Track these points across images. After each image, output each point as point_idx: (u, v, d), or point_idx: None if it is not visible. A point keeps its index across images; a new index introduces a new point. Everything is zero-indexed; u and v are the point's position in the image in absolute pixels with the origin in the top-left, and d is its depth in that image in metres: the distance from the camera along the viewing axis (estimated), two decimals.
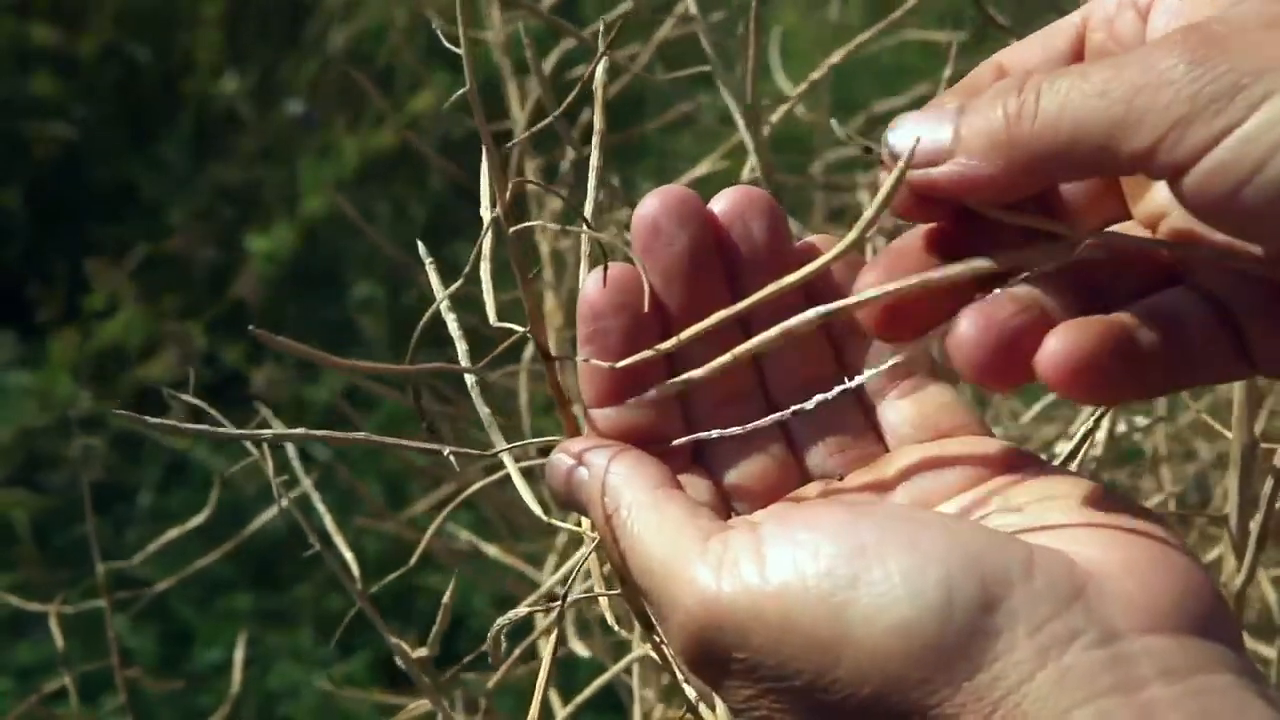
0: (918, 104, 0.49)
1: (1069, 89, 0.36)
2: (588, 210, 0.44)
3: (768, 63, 0.94)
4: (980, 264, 0.39)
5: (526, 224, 0.41)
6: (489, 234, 0.42)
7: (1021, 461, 0.41)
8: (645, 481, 0.40)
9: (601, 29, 0.43)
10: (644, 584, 0.39)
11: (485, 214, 0.42)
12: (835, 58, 0.66)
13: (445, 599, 0.52)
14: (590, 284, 0.42)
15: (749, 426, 0.42)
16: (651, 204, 0.42)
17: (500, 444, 0.44)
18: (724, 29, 0.66)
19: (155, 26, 2.11)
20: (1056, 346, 0.36)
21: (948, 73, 0.67)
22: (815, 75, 0.65)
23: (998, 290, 0.39)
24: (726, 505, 0.43)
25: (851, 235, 0.39)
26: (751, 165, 0.64)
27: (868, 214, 0.38)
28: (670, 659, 0.46)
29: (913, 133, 0.38)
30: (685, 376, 0.42)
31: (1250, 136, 0.33)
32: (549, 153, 0.85)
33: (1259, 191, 0.34)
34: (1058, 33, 0.41)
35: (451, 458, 0.41)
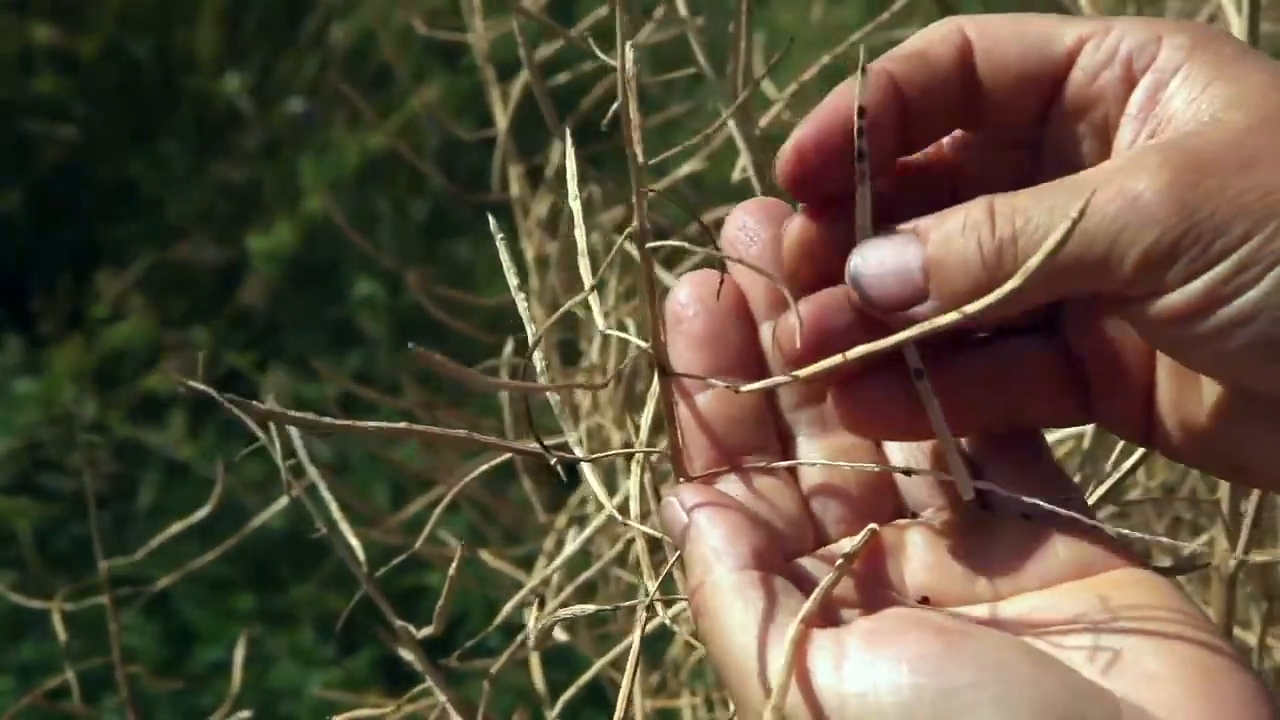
0: None
1: (1049, 228, 0.36)
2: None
3: (765, 62, 0.94)
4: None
5: (662, 242, 0.41)
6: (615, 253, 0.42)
7: (1110, 549, 0.41)
8: (736, 559, 0.38)
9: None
10: (721, 669, 0.38)
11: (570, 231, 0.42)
12: (826, 58, 0.66)
13: (451, 571, 0.51)
14: (678, 285, 0.44)
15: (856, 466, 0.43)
16: (740, 213, 0.44)
17: (580, 453, 0.44)
18: (717, 29, 0.66)
19: (155, 24, 2.11)
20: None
21: None
22: (805, 76, 0.66)
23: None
24: (811, 518, 0.43)
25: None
26: (742, 165, 0.64)
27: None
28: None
29: (878, 273, 0.39)
30: (765, 382, 0.41)
31: (1223, 277, 0.35)
32: (532, 156, 0.85)
33: (1217, 324, 0.35)
34: (1046, 45, 0.40)
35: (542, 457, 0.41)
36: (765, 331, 0.44)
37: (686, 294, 0.43)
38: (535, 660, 0.70)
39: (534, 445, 0.42)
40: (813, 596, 0.37)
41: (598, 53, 0.45)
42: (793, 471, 0.43)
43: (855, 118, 0.39)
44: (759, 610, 0.37)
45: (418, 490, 1.12)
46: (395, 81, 1.96)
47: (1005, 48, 0.40)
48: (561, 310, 0.41)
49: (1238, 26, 0.50)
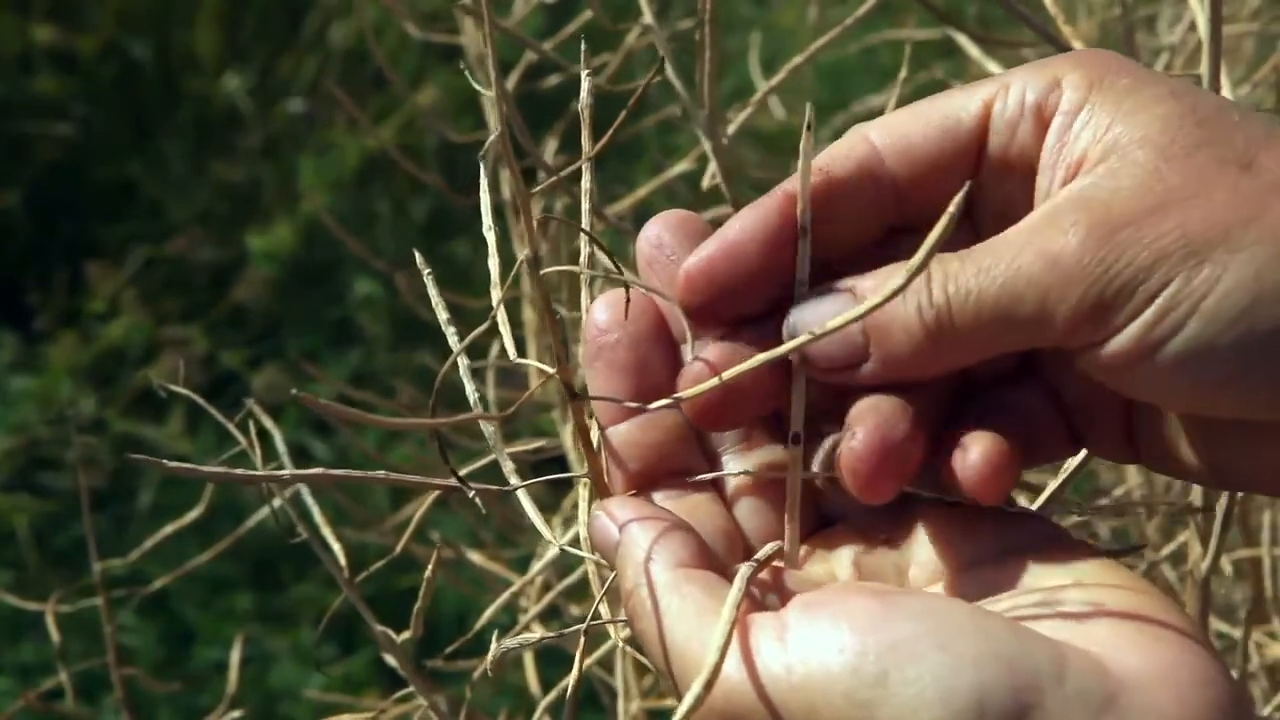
0: (901, 103, 0.48)
1: (979, 291, 0.38)
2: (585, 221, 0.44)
3: (765, 64, 0.94)
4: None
5: (556, 269, 0.41)
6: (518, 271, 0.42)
7: (1043, 532, 0.41)
8: (668, 558, 0.39)
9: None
10: (661, 666, 0.38)
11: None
12: (797, 60, 0.66)
13: (427, 574, 0.51)
14: (597, 306, 0.43)
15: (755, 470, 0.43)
16: (655, 227, 0.43)
17: (515, 480, 0.44)
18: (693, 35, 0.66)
19: (155, 24, 2.11)
20: (977, 460, 0.39)
21: (903, 74, 0.67)
22: (775, 80, 0.65)
23: (873, 398, 0.40)
24: (740, 535, 0.42)
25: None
26: (712, 171, 0.64)
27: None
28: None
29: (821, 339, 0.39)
30: (674, 396, 0.41)
31: (1151, 322, 0.36)
32: (525, 157, 0.84)
33: (1158, 367, 0.37)
34: (954, 124, 0.41)
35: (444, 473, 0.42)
36: (687, 352, 0.43)
37: (606, 318, 0.42)
38: (529, 660, 0.70)
39: (453, 481, 0.41)
40: (751, 562, 0.38)
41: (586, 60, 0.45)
42: (719, 490, 0.43)
43: (800, 158, 0.40)
44: (697, 602, 0.37)
45: (417, 490, 1.12)
46: (394, 82, 1.96)
47: (912, 141, 0.41)
48: (466, 341, 0.41)
49: (1201, 22, 0.50)
